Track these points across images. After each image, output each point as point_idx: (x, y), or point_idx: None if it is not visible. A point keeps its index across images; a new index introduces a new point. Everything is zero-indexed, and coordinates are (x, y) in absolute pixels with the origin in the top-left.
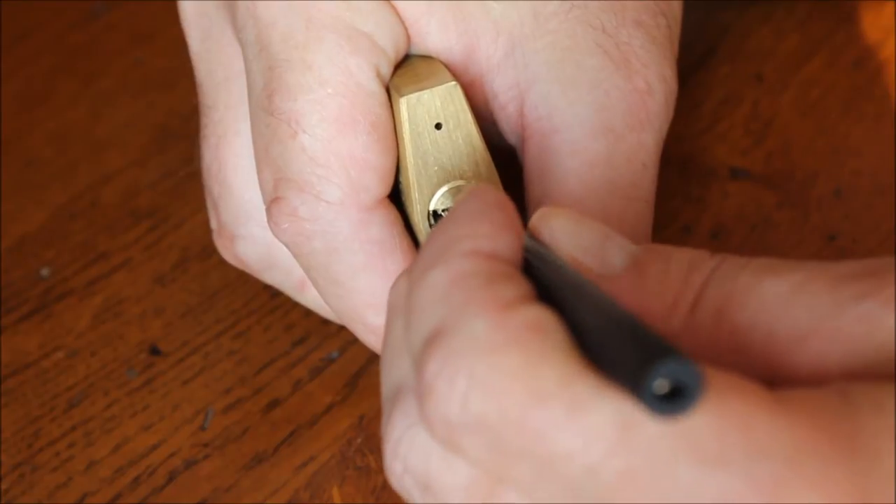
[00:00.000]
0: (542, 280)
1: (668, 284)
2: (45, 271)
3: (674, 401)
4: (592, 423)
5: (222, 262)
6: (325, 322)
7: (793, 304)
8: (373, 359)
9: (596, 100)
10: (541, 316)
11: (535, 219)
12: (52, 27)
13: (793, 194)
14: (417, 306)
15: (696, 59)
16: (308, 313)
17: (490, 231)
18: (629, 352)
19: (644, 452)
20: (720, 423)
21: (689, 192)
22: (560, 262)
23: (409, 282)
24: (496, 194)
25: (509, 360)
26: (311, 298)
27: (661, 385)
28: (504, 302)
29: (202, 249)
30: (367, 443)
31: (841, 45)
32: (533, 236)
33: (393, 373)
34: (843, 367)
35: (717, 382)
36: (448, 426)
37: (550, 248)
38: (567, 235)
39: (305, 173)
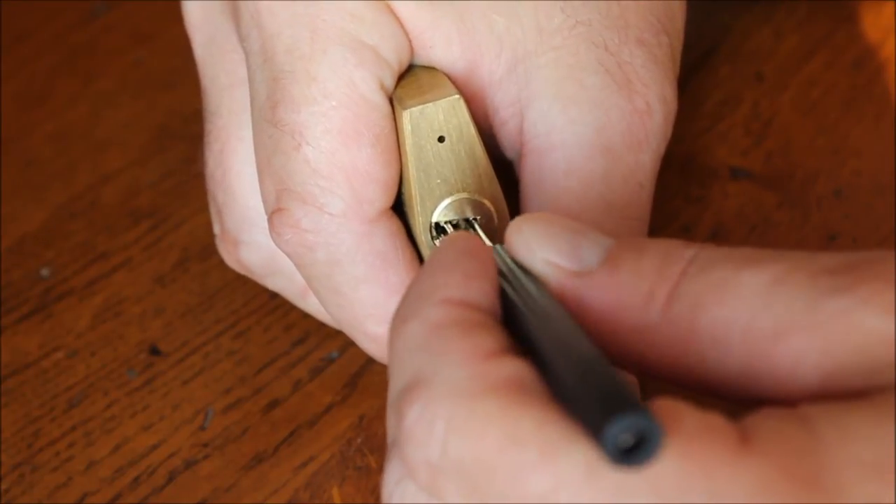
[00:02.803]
0: (518, 315)
1: (643, 276)
2: (45, 271)
3: (635, 451)
4: (562, 467)
5: (222, 263)
6: (327, 323)
7: (771, 298)
8: (373, 359)
9: (596, 119)
10: (519, 369)
11: (509, 231)
12: (52, 27)
13: (793, 194)
14: (396, 357)
15: (696, 59)
16: (308, 314)
17: (462, 280)
18: (592, 400)
19: (608, 496)
20: (683, 467)
21: (689, 192)
22: (533, 287)
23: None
24: (469, 242)
25: (487, 406)
26: (312, 305)
27: (623, 439)
28: (482, 352)
29: (202, 249)
30: (367, 443)
31: (841, 45)
32: (509, 254)
33: (390, 423)
34: (820, 367)
35: (682, 425)
36: (430, 471)
37: (525, 264)
38: (539, 240)
39: (309, 185)
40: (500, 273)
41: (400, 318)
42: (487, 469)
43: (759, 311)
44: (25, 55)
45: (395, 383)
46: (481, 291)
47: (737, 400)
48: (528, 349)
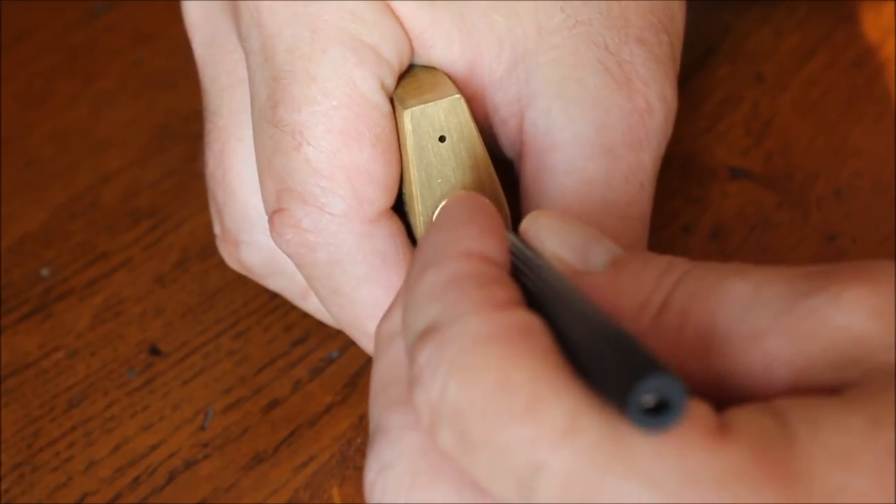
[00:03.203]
0: (528, 286)
1: (642, 285)
2: (45, 271)
3: (658, 414)
4: (545, 419)
5: (222, 263)
6: (328, 323)
7: (751, 303)
8: (373, 359)
9: (596, 118)
10: (529, 319)
11: (526, 220)
12: (52, 27)
13: (793, 194)
14: (414, 304)
15: (696, 59)
16: (308, 314)
17: (479, 233)
18: (616, 364)
19: (583, 456)
20: (657, 444)
21: (689, 192)
22: (545, 266)
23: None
24: (480, 199)
25: (490, 352)
26: (313, 305)
27: (647, 400)
28: (496, 302)
29: (202, 249)
30: (367, 443)
31: (841, 45)
32: (521, 239)
33: (373, 411)
34: (792, 366)
35: None
36: (430, 413)
37: (536, 250)
38: (552, 234)
39: (309, 185)
40: (512, 251)
41: (417, 269)
42: (476, 414)
43: (738, 318)
44: (25, 55)
45: (411, 330)
46: (496, 246)
47: (720, 402)
48: (538, 310)
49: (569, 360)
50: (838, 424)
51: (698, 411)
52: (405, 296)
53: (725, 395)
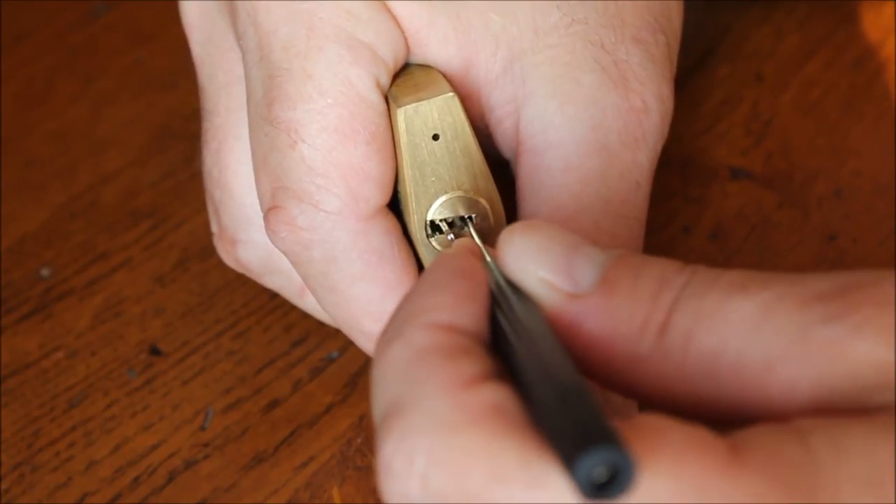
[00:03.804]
0: (505, 337)
1: (638, 305)
2: (45, 271)
3: (609, 485)
4: (549, 500)
5: (222, 263)
6: (326, 322)
7: (761, 326)
8: (372, 359)
9: (592, 117)
10: (500, 396)
11: (500, 243)
12: (52, 27)
13: (793, 194)
14: (378, 380)
15: (696, 59)
16: (308, 314)
17: (451, 303)
18: (567, 433)
19: None
20: (676, 486)
21: (689, 192)
22: (522, 307)
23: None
24: (461, 261)
25: (469, 439)
26: (310, 304)
27: (598, 472)
28: (463, 380)
29: (202, 249)
30: (367, 443)
31: (841, 45)
32: (500, 271)
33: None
34: (812, 397)
35: (670, 442)
36: (408, 500)
37: (518, 281)
38: (533, 255)
39: (304, 182)
40: (492, 292)
41: (385, 340)
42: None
43: (748, 341)
44: (25, 55)
45: (376, 409)
46: (470, 315)
47: (731, 423)
48: (513, 371)
49: (535, 422)
50: (866, 450)
51: (703, 438)
52: (372, 371)
53: (738, 417)
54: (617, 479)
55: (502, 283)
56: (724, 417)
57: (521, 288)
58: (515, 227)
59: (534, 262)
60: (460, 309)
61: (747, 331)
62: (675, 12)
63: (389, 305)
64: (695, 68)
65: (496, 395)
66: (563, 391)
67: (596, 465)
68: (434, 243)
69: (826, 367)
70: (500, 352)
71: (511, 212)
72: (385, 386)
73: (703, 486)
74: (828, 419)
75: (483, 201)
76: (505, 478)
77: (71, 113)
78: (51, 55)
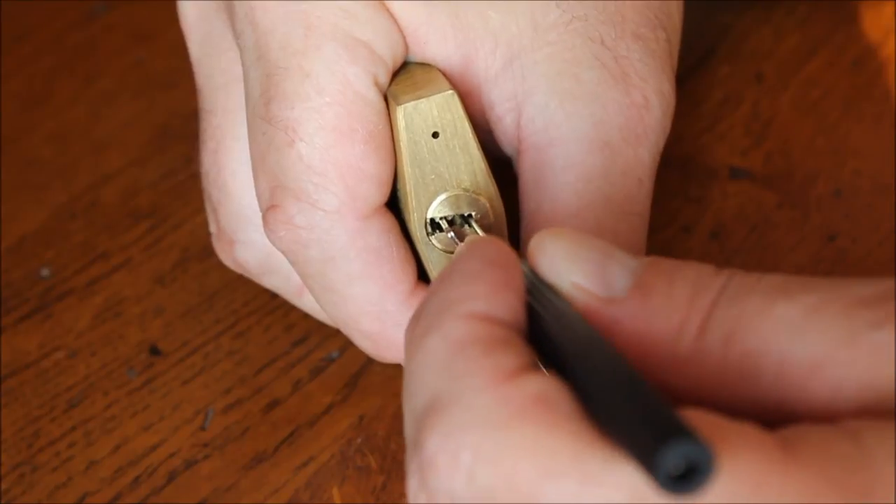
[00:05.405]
0: (547, 331)
1: (674, 307)
2: (45, 271)
3: (685, 479)
4: (605, 496)
5: (222, 263)
6: (325, 322)
7: (806, 329)
8: (373, 359)
9: (593, 113)
10: (545, 387)
11: (532, 248)
12: (52, 27)
13: (793, 194)
14: (415, 375)
15: (696, 59)
16: (308, 314)
17: (487, 292)
18: (641, 427)
19: None
20: (732, 485)
21: (689, 192)
22: (564, 307)
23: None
24: (494, 249)
25: (517, 433)
26: (309, 303)
27: (675, 465)
28: (506, 372)
29: (202, 249)
30: (367, 443)
31: (841, 45)
32: (533, 272)
33: (408, 438)
34: (859, 400)
35: (727, 439)
36: (452, 500)
37: (552, 284)
38: (566, 262)
39: (302, 181)
40: (526, 286)
41: (420, 330)
42: (524, 500)
43: (793, 344)
44: (25, 55)
45: (414, 403)
46: (507, 305)
47: (775, 423)
48: (555, 364)
49: (589, 415)
50: None
51: (754, 434)
52: (406, 362)
53: (778, 418)
54: (694, 473)
55: (535, 279)
56: (763, 417)
57: (554, 288)
58: (544, 234)
59: (567, 269)
60: (497, 298)
61: (792, 333)
62: (675, 8)
63: (388, 304)
64: (695, 68)
65: (541, 386)
66: (628, 385)
67: (676, 459)
68: (434, 241)
69: (874, 371)
70: (536, 343)
71: (511, 209)
72: (423, 381)
73: (758, 484)
74: (879, 420)
75: (483, 199)
76: (557, 472)
77: (71, 113)
78: (51, 55)
